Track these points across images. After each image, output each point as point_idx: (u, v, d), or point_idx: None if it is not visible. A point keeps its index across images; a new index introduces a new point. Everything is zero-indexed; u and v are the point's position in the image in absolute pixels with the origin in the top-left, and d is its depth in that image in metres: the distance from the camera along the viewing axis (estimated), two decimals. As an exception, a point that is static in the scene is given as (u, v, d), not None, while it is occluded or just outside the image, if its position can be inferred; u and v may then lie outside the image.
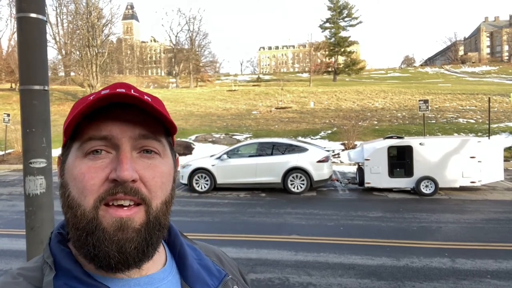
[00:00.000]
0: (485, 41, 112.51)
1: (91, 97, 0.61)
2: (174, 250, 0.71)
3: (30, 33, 1.92)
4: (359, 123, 19.86)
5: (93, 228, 0.57)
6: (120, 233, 0.57)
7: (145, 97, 0.62)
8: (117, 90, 0.61)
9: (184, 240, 0.74)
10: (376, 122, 23.00)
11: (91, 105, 0.57)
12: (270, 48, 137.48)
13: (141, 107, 0.60)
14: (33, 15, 1.90)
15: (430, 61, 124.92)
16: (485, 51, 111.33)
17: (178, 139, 18.39)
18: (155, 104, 0.60)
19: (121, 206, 0.58)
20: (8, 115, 18.15)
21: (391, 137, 10.55)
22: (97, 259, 0.57)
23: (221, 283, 0.70)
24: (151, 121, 0.61)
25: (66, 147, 0.63)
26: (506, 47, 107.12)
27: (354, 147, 15.57)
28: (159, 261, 0.67)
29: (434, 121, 22.10)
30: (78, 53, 39.29)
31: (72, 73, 47.34)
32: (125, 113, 0.60)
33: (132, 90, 0.62)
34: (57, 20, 45.85)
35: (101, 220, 0.57)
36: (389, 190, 9.80)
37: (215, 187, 10.33)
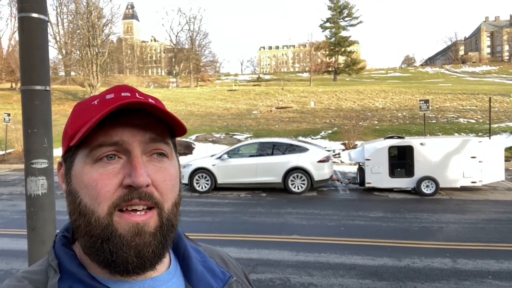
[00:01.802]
0: (485, 41, 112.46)
1: (95, 102, 0.61)
2: (178, 252, 0.71)
3: (31, 33, 1.91)
4: (360, 123, 19.87)
5: (108, 234, 0.57)
6: (138, 238, 0.57)
7: (150, 100, 0.62)
8: (122, 94, 0.61)
9: (188, 242, 0.74)
10: (376, 122, 22.99)
11: (101, 116, 0.56)
12: (270, 47, 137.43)
13: (149, 111, 0.60)
14: (35, 15, 1.90)
15: (430, 61, 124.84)
16: (486, 51, 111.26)
17: (179, 138, 18.38)
18: (162, 107, 0.60)
19: (135, 210, 0.58)
20: (9, 114, 18.15)
21: (391, 137, 10.55)
22: (115, 265, 0.57)
23: (225, 285, 0.70)
24: (158, 124, 0.61)
25: (71, 154, 0.62)
26: (506, 47, 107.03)
27: (354, 147, 15.55)
28: (164, 263, 0.67)
29: (434, 121, 22.09)
30: (78, 52, 39.27)
31: (73, 73, 47.31)
32: (133, 117, 0.59)
33: (136, 94, 0.62)
34: (57, 19, 45.85)
35: (116, 226, 0.57)
36: (390, 190, 9.79)
37: (216, 187, 10.33)
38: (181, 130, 0.64)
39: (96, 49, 36.58)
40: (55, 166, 2.28)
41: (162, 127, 0.62)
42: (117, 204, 0.57)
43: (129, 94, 0.61)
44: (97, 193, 0.57)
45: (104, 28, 38.24)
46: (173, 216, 0.62)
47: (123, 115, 0.59)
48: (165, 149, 0.63)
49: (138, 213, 0.58)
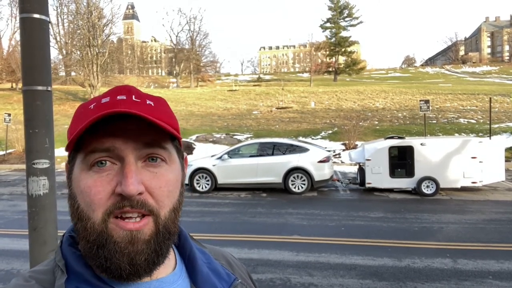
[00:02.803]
0: (485, 41, 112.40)
1: (92, 106, 0.61)
2: (184, 253, 0.71)
3: (33, 34, 1.91)
4: (360, 123, 19.86)
5: (103, 241, 0.57)
6: (131, 246, 0.57)
7: (148, 101, 0.61)
8: (118, 97, 0.60)
9: (193, 244, 0.74)
10: (377, 122, 22.99)
11: (91, 121, 0.56)
12: (270, 48, 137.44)
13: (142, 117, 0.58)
14: (36, 15, 1.90)
15: (430, 61, 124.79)
16: (486, 51, 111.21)
17: (179, 139, 18.29)
18: (154, 115, 0.59)
19: (130, 217, 0.58)
20: (9, 114, 18.17)
21: (392, 137, 10.55)
22: (109, 271, 0.57)
23: (230, 287, 0.70)
24: (153, 129, 0.59)
25: (72, 157, 0.62)
26: (506, 47, 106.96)
27: (355, 147, 15.55)
28: (169, 265, 0.67)
29: (435, 121, 22.08)
30: (78, 53, 39.34)
31: (73, 73, 47.38)
32: (127, 123, 0.58)
33: (133, 96, 0.61)
34: (58, 20, 45.94)
35: (111, 233, 0.57)
36: (390, 190, 9.79)
37: (216, 187, 10.33)
38: (175, 136, 0.63)
39: (97, 49, 36.61)
40: (57, 166, 2.28)
41: (159, 131, 0.60)
42: (110, 211, 0.57)
43: (125, 97, 0.60)
44: (91, 200, 0.57)
45: (105, 28, 38.29)
46: (171, 223, 0.61)
47: (116, 120, 0.58)
48: (162, 154, 0.61)
49: (133, 220, 0.57)
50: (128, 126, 0.58)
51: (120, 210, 0.57)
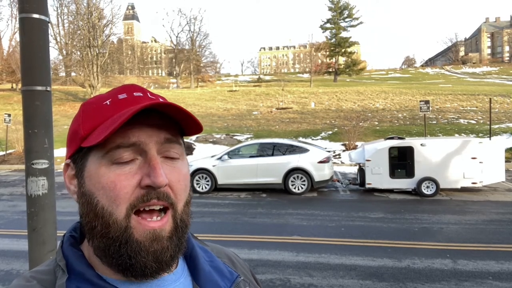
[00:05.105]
0: (486, 42, 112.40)
1: (107, 102, 0.61)
2: (186, 252, 0.71)
3: (32, 34, 1.91)
4: (360, 123, 19.84)
5: (126, 238, 0.57)
6: (156, 243, 0.58)
7: (160, 99, 0.63)
8: (134, 94, 0.62)
9: (195, 242, 0.74)
10: (377, 123, 22.99)
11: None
12: (270, 48, 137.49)
13: (160, 111, 0.60)
14: (35, 15, 1.90)
15: (430, 62, 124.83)
16: (486, 51, 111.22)
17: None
18: (182, 107, 0.60)
19: (152, 211, 0.58)
20: (9, 115, 18.18)
21: (392, 138, 10.55)
22: (132, 269, 0.57)
23: (233, 284, 0.70)
24: (171, 124, 0.62)
25: (82, 154, 0.61)
26: (507, 48, 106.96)
27: (355, 147, 15.55)
28: None
29: (435, 122, 22.08)
30: (79, 53, 39.42)
31: (73, 74, 47.41)
32: (148, 118, 0.60)
33: (148, 94, 0.63)
34: (58, 20, 45.97)
35: (133, 231, 0.57)
36: (390, 191, 9.78)
37: (216, 188, 10.33)
38: (196, 128, 0.64)
39: (97, 50, 36.68)
40: (56, 166, 2.27)
41: (175, 127, 0.62)
42: (134, 205, 0.57)
43: (141, 94, 0.62)
44: (116, 194, 0.57)
45: (105, 28, 38.38)
46: (186, 216, 0.64)
47: (138, 115, 0.58)
48: (178, 150, 0.63)
49: (155, 218, 0.58)
50: (149, 120, 0.60)
51: (146, 203, 0.57)
